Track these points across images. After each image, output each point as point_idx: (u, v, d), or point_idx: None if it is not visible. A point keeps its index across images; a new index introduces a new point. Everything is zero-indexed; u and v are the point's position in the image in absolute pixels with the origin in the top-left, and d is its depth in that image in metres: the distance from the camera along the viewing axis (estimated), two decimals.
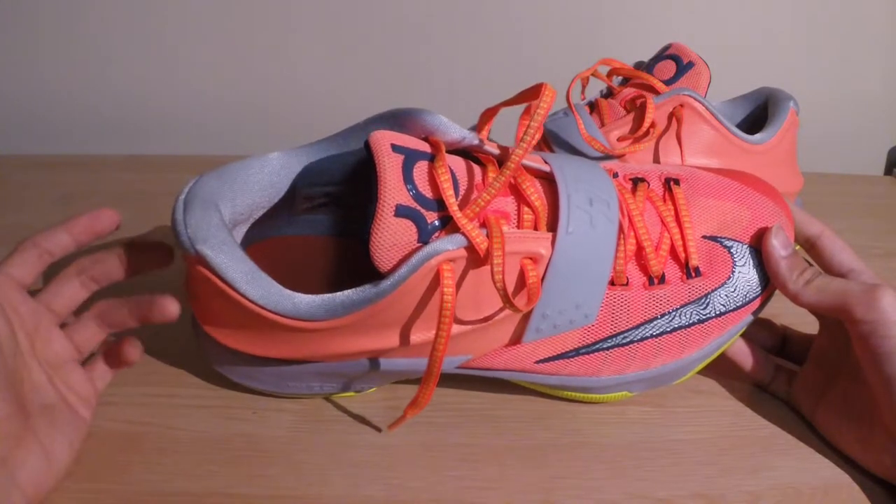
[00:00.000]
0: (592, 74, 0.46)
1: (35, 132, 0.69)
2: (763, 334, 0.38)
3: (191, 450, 0.32)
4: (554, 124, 0.44)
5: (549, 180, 0.31)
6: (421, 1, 0.65)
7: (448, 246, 0.26)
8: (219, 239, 0.28)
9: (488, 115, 0.30)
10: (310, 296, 0.28)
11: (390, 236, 0.26)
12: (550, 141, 0.44)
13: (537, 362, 0.32)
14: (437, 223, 0.27)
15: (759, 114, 0.49)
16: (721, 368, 0.36)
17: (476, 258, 0.27)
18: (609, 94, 0.47)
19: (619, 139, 0.43)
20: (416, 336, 0.29)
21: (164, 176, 0.59)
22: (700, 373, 0.35)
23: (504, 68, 0.68)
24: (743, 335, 0.35)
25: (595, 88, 0.49)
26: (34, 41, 0.66)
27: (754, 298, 0.33)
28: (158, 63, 0.67)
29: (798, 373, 0.36)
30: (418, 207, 0.27)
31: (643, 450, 0.33)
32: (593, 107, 0.47)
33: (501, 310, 0.29)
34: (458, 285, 0.28)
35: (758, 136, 0.44)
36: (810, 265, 0.33)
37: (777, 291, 0.35)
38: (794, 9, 0.67)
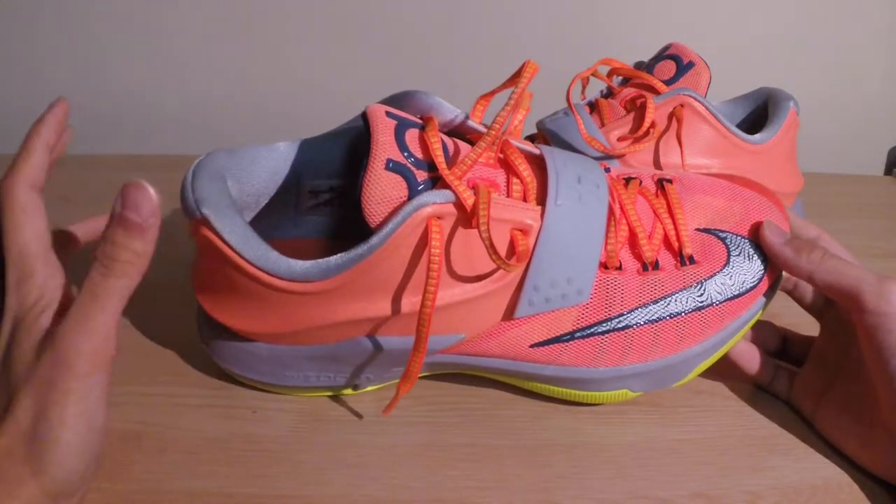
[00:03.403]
0: (592, 74, 0.46)
1: None
2: (764, 335, 0.38)
3: (191, 450, 0.32)
4: (554, 124, 0.44)
5: (540, 167, 0.32)
6: (420, 1, 0.65)
7: (436, 199, 0.27)
8: (222, 204, 0.29)
9: (482, 100, 0.32)
10: (305, 261, 0.29)
11: (381, 190, 0.27)
12: (550, 141, 0.44)
13: (532, 346, 0.32)
14: (427, 181, 0.28)
15: (759, 114, 0.49)
16: (721, 369, 0.36)
17: (464, 217, 0.28)
18: (609, 94, 0.47)
19: (619, 139, 0.43)
20: (408, 301, 0.30)
21: (163, 176, 0.59)
22: (700, 373, 0.35)
23: (504, 68, 0.68)
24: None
25: (595, 88, 0.49)
26: (34, 41, 0.66)
27: (751, 288, 0.33)
28: (158, 63, 0.67)
29: (798, 373, 0.36)
30: (409, 165, 0.28)
31: (643, 450, 0.33)
32: (593, 107, 0.47)
33: (494, 271, 0.30)
34: (448, 246, 0.29)
35: (758, 136, 0.44)
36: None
37: (778, 292, 0.35)
38: (794, 9, 0.67)
